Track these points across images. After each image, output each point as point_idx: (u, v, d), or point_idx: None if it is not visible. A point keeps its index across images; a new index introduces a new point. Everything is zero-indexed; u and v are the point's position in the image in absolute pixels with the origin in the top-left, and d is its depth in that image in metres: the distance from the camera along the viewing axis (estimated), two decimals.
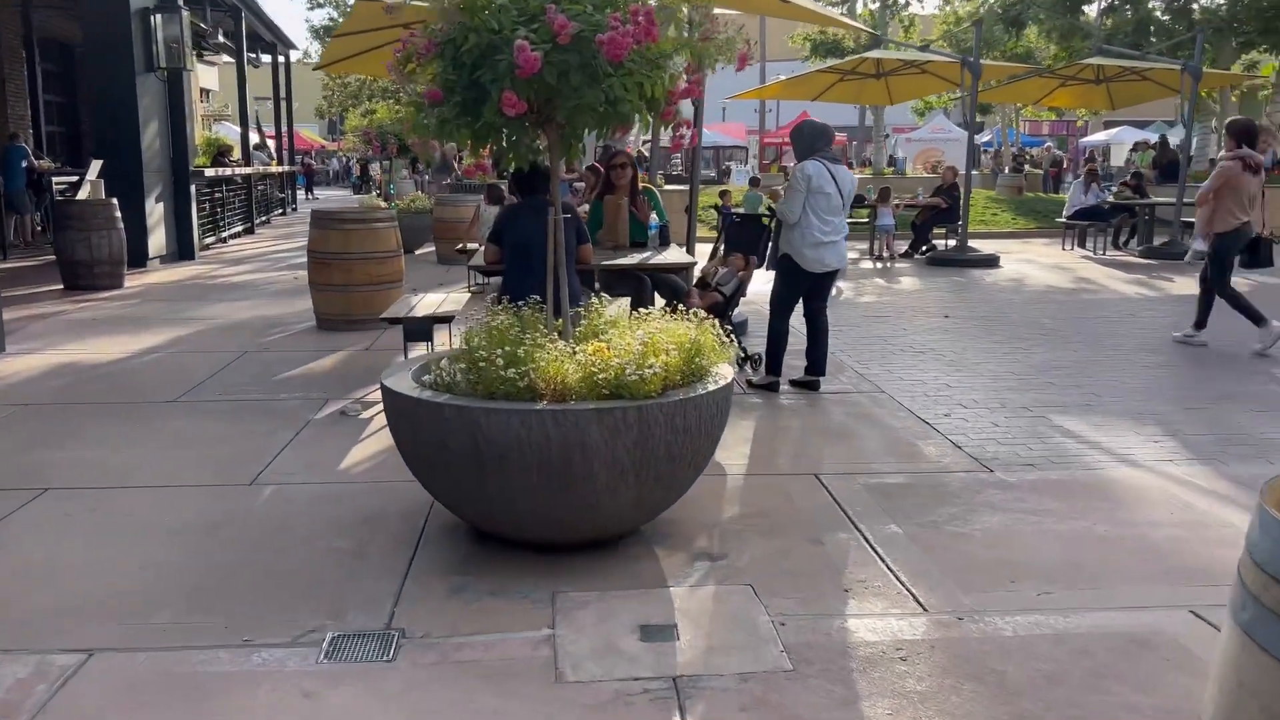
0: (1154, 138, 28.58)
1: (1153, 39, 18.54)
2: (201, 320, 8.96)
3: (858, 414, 5.86)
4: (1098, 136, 44.30)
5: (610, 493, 3.49)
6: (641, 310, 4.45)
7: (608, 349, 3.63)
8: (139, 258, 12.76)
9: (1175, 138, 27.64)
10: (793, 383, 6.44)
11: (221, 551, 3.78)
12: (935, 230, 15.51)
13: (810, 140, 6.25)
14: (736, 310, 7.22)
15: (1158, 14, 19.41)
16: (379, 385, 3.90)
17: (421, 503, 4.09)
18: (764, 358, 6.48)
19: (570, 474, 3.41)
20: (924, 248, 15.41)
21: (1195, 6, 19.29)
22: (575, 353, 3.63)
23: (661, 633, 3.09)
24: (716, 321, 4.07)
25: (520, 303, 4.15)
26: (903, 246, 15.43)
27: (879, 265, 14.30)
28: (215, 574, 3.57)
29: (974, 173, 35.87)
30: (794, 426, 5.65)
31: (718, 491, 4.43)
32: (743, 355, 6.71)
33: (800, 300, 6.39)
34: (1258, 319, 7.73)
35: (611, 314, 4.12)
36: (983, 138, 46.83)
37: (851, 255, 15.15)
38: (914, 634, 3.09)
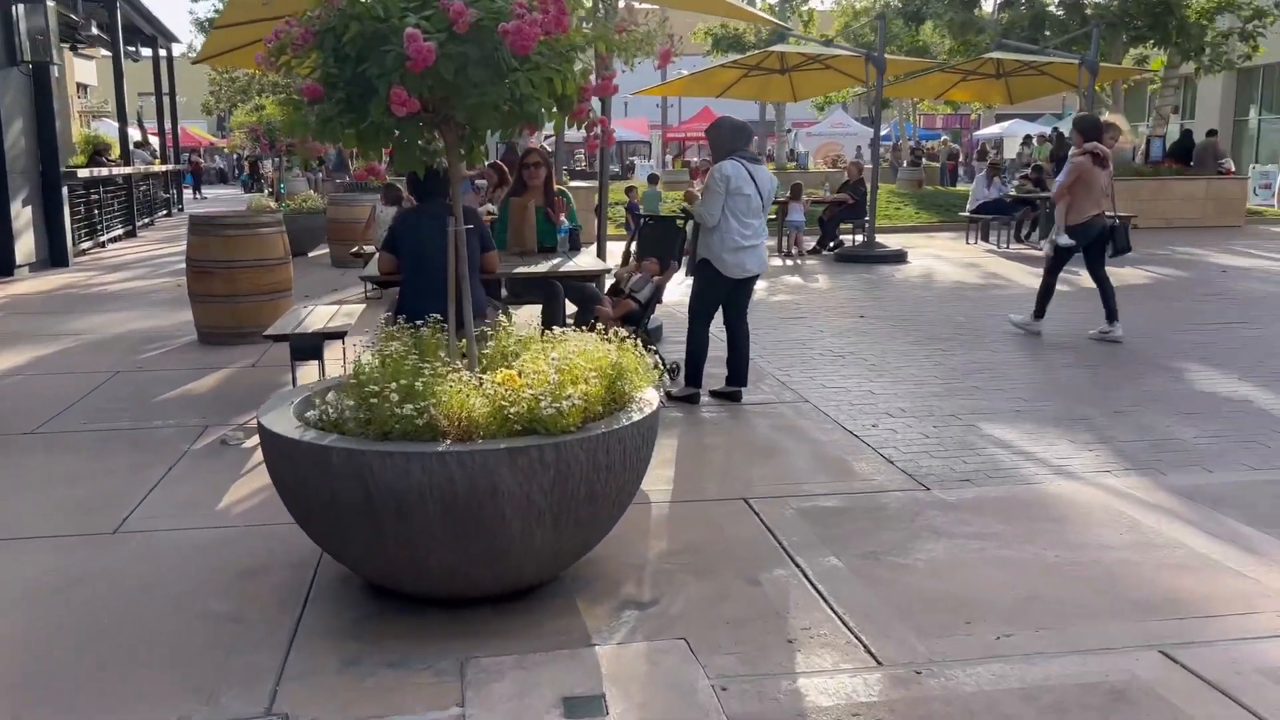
0: (1049, 130, 29.20)
1: (1048, 34, 18.83)
2: (71, 335, 8.23)
3: (783, 427, 5.56)
4: (991, 130, 45.31)
5: (525, 541, 3.09)
6: (555, 326, 4.07)
7: (519, 377, 3.23)
8: (4, 266, 11.85)
9: (1063, 130, 28.36)
10: (713, 394, 6.12)
11: (72, 620, 3.27)
12: (842, 226, 15.43)
13: (729, 139, 5.92)
14: (652, 316, 6.87)
15: (1052, 9, 19.73)
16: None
17: (310, 551, 3.63)
18: (682, 368, 6.14)
19: (479, 522, 3.00)
20: (831, 244, 15.32)
21: (1088, 2, 19.65)
22: (482, 383, 3.22)
23: (588, 706, 2.70)
24: (638, 341, 3.70)
25: (419, 321, 3.72)
26: (810, 243, 15.31)
27: (789, 263, 14.13)
28: (61, 650, 3.06)
29: (872, 168, 36.17)
30: (718, 444, 5.32)
31: (643, 524, 4.07)
32: (661, 366, 6.35)
33: (719, 307, 6.07)
34: (1041, 309, 8.33)
35: (522, 333, 3.72)
36: (880, 132, 47.68)
37: None
38: (870, 694, 2.77)
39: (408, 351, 3.36)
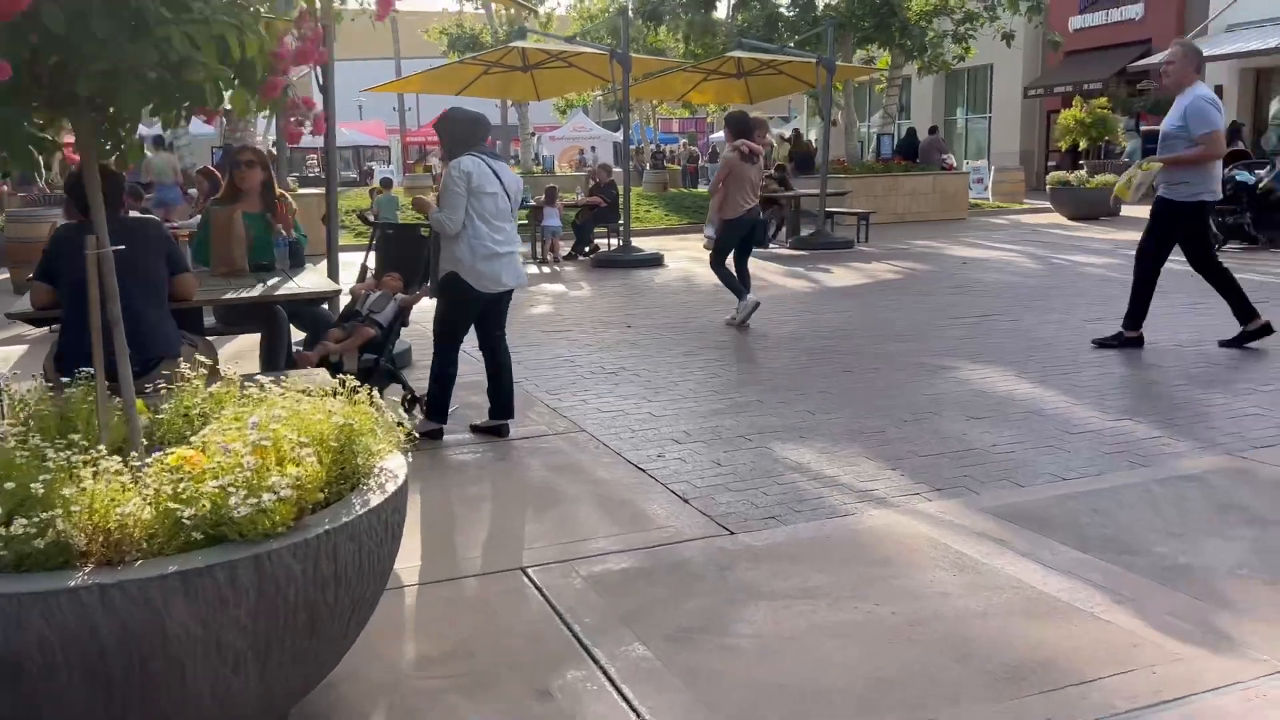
0: (788, 131, 30.07)
1: (782, 34, 19.18)
2: None
3: (559, 465, 4.80)
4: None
5: (219, 699, 2.16)
6: (278, 365, 3.11)
7: (200, 457, 2.28)
8: None
9: (788, 131, 29.38)
10: (475, 429, 5.28)
11: None
12: (596, 230, 14.92)
13: (463, 132, 5.09)
14: (398, 340, 5.92)
15: (784, 10, 20.17)
16: None
17: None
18: (427, 400, 5.26)
19: (144, 686, 2.04)
20: (587, 249, 14.78)
21: (818, 3, 20.21)
22: (142, 473, 2.25)
23: None
24: (374, 389, 2.82)
25: (79, 371, 2.70)
26: (566, 248, 14.68)
27: (545, 270, 13.43)
28: None
29: (617, 170, 36.31)
30: (484, 495, 4.48)
31: (394, 619, 3.19)
32: (408, 396, 5.47)
33: (473, 328, 5.24)
34: (739, 292, 8.48)
35: (212, 388, 2.76)
36: (622, 135, 48.08)
37: None
38: None
39: (28, 430, 2.33)
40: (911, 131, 23.66)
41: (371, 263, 6.05)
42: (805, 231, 15.92)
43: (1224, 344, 6.99)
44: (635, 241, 14.77)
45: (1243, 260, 11.89)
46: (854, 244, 15.30)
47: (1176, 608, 3.11)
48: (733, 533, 3.86)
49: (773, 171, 17.18)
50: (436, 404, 5.17)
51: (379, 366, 5.36)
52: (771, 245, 15.64)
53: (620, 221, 14.70)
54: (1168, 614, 3.07)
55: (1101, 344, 7.12)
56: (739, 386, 6.29)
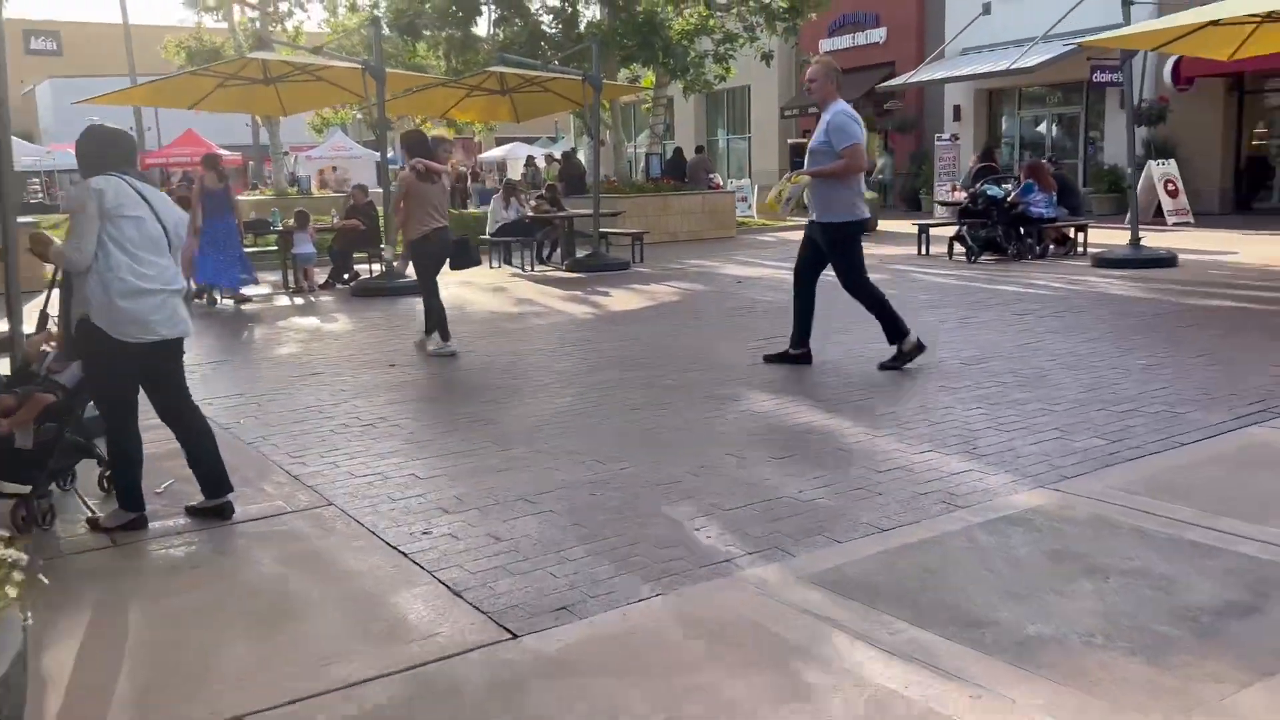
0: (557, 151, 29.65)
1: (545, 52, 18.65)
2: None
3: (297, 556, 3.91)
4: (494, 153, 45.87)
5: None
6: None
7: None
8: None
9: (557, 152, 29.01)
10: (191, 511, 4.30)
11: None
12: (356, 255, 13.81)
13: (100, 149, 4.15)
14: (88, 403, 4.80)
15: (546, 27, 19.66)
16: None
17: None
18: (115, 486, 4.26)
19: None
20: (346, 276, 13.64)
21: (581, 20, 19.82)
22: None
23: None
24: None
25: None
26: (323, 277, 13.48)
27: (299, 301, 12.22)
28: None
29: (378, 190, 34.79)
30: (190, 607, 3.53)
31: None
32: (105, 474, 4.42)
33: (141, 395, 4.22)
34: (443, 328, 8.24)
35: None
36: (380, 155, 46.26)
37: (262, 291, 12.89)
38: None
39: None
40: (679, 151, 23.76)
41: (55, 308, 4.90)
42: (581, 253, 15.39)
43: (883, 366, 6.87)
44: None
45: (997, 271, 12.32)
46: (630, 264, 14.91)
47: (1044, 700, 2.65)
48: (518, 636, 3.14)
49: (543, 192, 16.62)
50: (125, 490, 4.15)
51: (63, 439, 4.28)
52: (541, 268, 15.02)
53: (382, 245, 13.66)
54: (1038, 710, 2.60)
55: (886, 366, 6.90)
56: (518, 435, 5.57)
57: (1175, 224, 18.21)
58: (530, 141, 44.10)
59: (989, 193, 13.54)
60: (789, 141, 22.79)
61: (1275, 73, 19.36)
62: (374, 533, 4.09)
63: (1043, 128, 24.69)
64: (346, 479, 4.81)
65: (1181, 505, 3.99)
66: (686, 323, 9.42)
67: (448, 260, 8.78)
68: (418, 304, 11.40)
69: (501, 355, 8.05)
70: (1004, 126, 25.47)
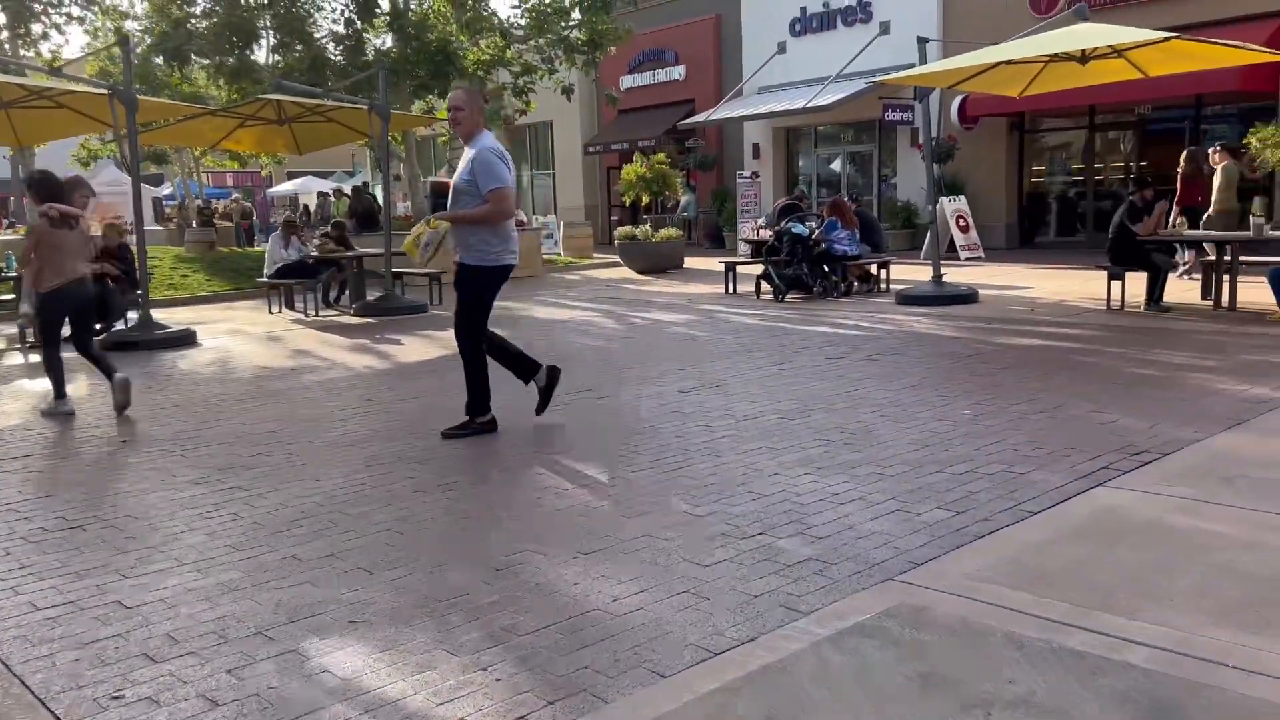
0: (348, 186, 28.15)
1: (330, 79, 17.38)
2: None
3: None
4: (284, 187, 43.53)
5: None
6: None
7: None
8: None
9: (348, 187, 27.52)
10: None
11: None
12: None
13: None
14: None
15: (330, 54, 18.35)
16: None
17: None
18: None
19: None
20: (98, 327, 11.96)
21: (368, 47, 18.63)
22: None
23: None
24: None
25: None
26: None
27: (35, 358, 10.54)
28: None
29: (156, 229, 32.07)
30: None
31: None
32: None
33: None
34: (59, 390, 7.45)
35: None
36: (164, 190, 43.00)
37: None
38: None
39: None
40: None
41: None
42: (372, 295, 14.23)
43: (446, 434, 6.26)
44: (164, 315, 12.29)
45: (805, 311, 12.04)
46: (428, 307, 13.87)
47: None
48: None
49: (329, 229, 15.34)
50: None
51: None
52: (328, 312, 13.77)
53: (139, 292, 12.13)
54: None
55: (450, 435, 6.25)
56: (265, 535, 4.54)
57: (968, 258, 18.73)
58: (325, 175, 42.12)
59: (794, 230, 13.33)
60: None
61: (1051, 113, 20.38)
62: (41, 701, 3.01)
63: (838, 165, 25.23)
64: (21, 615, 3.67)
65: (1051, 599, 3.44)
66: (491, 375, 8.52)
67: (93, 317, 7.90)
68: (184, 358, 10.04)
69: (262, 425, 6.91)
70: (801, 164, 25.90)
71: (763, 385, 7.53)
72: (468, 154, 6.00)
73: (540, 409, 6.54)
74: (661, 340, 10.21)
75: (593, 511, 4.68)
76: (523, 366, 6.49)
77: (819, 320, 11.24)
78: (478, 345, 6.25)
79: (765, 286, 13.77)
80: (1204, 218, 12.99)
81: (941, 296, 12.22)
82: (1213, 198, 13.13)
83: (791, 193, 16.09)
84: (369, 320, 13.01)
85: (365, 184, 28.05)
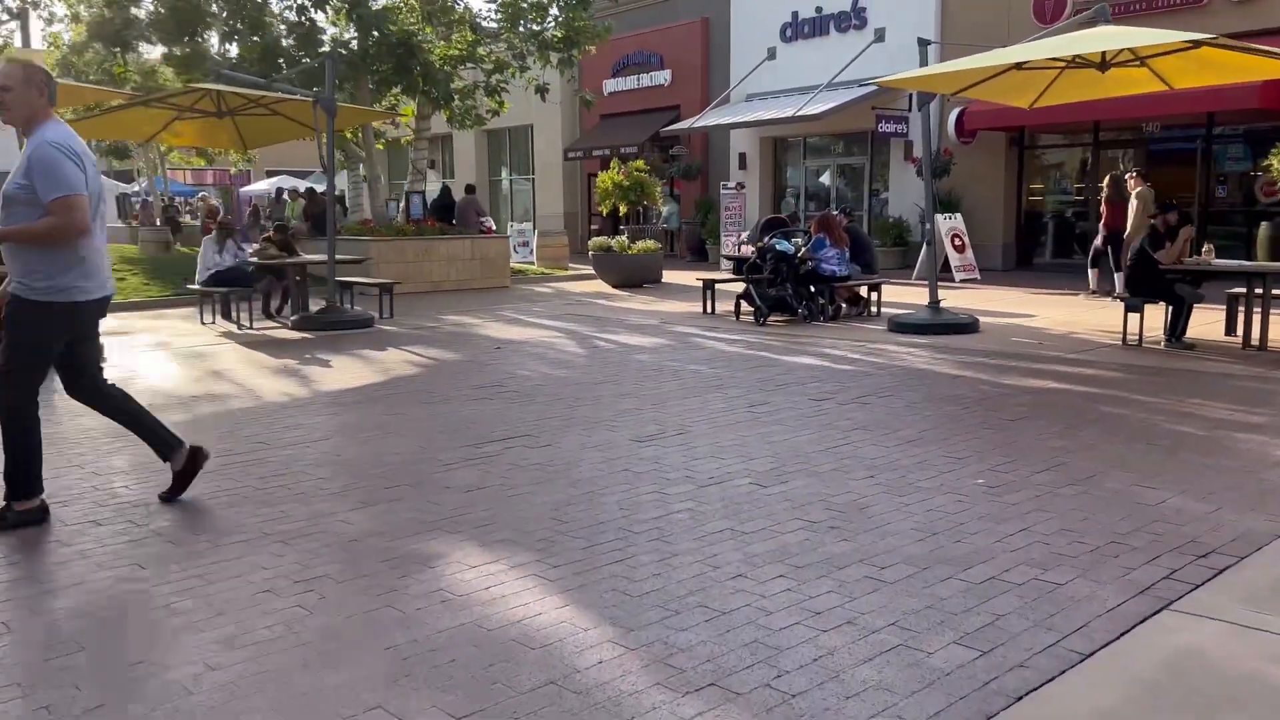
0: (304, 186, 26.89)
1: (282, 69, 16.10)
2: None
3: None
4: (259, 186, 42.12)
5: None
6: None
7: None
8: None
9: (316, 187, 26.19)
10: None
11: None
12: None
13: None
14: None
15: (286, 43, 17.07)
16: None
17: None
18: None
19: None
20: None
21: (325, 38, 17.38)
22: None
23: None
24: None
25: None
26: None
27: None
28: None
29: (119, 226, 30.70)
30: None
31: None
32: None
33: None
34: None
35: None
36: (135, 187, 41.51)
37: None
38: None
39: None
40: (446, 190, 21.59)
41: None
42: (316, 306, 13.01)
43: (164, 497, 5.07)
44: None
45: (787, 336, 10.85)
46: (374, 321, 12.63)
47: None
48: None
49: (270, 233, 14.08)
50: None
51: None
52: (267, 324, 12.51)
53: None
54: None
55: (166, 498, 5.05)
56: (50, 648, 3.31)
57: (963, 280, 17.64)
58: (304, 175, 40.73)
59: (778, 247, 12.16)
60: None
61: (1052, 128, 19.32)
62: None
63: (827, 178, 24.12)
64: None
65: None
66: (408, 412, 7.30)
67: None
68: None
69: (122, 477, 5.67)
70: (789, 176, 24.78)
71: (735, 433, 6.34)
72: (26, 148, 4.49)
73: (170, 495, 5.08)
74: (625, 370, 9.01)
75: (491, 631, 3.47)
76: (158, 440, 5.04)
77: (803, 348, 10.06)
78: (24, 406, 4.62)
79: (746, 307, 12.60)
80: (1124, 241, 13.35)
81: (938, 325, 11.08)
82: (1129, 222, 13.45)
83: (779, 210, 14.86)
84: (306, 335, 11.76)
85: (312, 188, 26.75)
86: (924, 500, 4.89)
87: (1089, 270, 14.78)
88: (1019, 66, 9.63)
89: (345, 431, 6.62)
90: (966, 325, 11.15)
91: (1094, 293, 14.51)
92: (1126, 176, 13.96)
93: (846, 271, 12.50)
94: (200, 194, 37.84)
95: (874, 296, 12.94)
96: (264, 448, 6.19)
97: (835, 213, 13.41)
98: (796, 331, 11.36)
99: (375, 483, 5.33)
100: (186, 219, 32.38)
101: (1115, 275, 13.84)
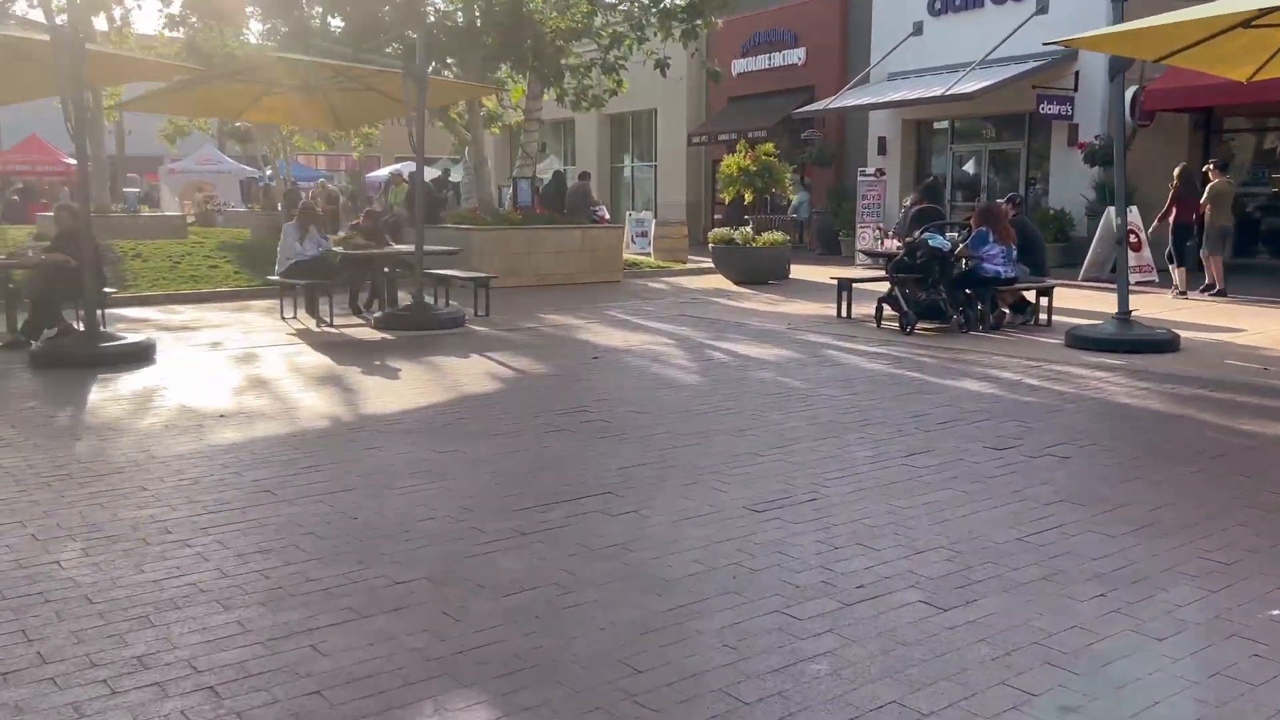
0: (441, 172, 25.85)
1: (382, 42, 14.90)
2: None
3: None
4: (382, 172, 41.80)
5: None
6: None
7: None
8: None
9: (457, 175, 25.11)
10: None
11: None
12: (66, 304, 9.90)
13: None
14: None
15: (387, 17, 15.88)
16: None
17: None
18: None
19: None
20: (55, 331, 9.72)
21: (428, 9, 16.11)
22: None
23: None
24: None
25: None
26: None
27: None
28: None
29: (242, 210, 30.38)
30: None
31: None
32: None
33: None
34: None
35: None
36: (267, 172, 41.67)
37: None
38: None
39: None
40: (559, 176, 20.20)
41: None
42: (407, 302, 11.77)
43: None
44: (163, 313, 10.04)
45: (941, 351, 8.96)
46: (464, 320, 11.28)
47: None
48: None
49: (360, 220, 12.90)
50: None
51: None
52: (351, 322, 11.28)
53: (110, 288, 9.95)
54: None
55: None
56: None
57: (1138, 282, 15.25)
58: (431, 162, 40.13)
59: (932, 243, 10.28)
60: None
61: (1246, 109, 16.72)
62: None
63: (971, 166, 21.82)
64: None
65: None
66: (469, 447, 5.84)
67: None
68: (117, 382, 7.59)
69: (71, 553, 4.34)
70: (933, 163, 22.56)
71: (888, 501, 4.64)
72: None
73: None
74: (742, 393, 7.36)
75: None
76: None
77: (964, 368, 8.22)
78: None
79: (888, 310, 10.79)
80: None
81: (1129, 341, 9.06)
82: (1206, 213, 13.04)
83: (925, 193, 12.86)
84: (387, 336, 10.48)
85: (446, 171, 25.75)
86: (1193, 648, 3.12)
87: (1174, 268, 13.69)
88: (1261, 14, 7.53)
89: (378, 477, 5.17)
90: (1165, 343, 9.09)
91: (1182, 293, 13.53)
92: (1205, 169, 13.44)
93: (1013, 273, 10.53)
94: (319, 179, 37.58)
95: (1043, 303, 10.93)
96: (265, 498, 4.78)
97: (1001, 202, 11.41)
98: (952, 344, 9.49)
99: (384, 570, 3.84)
100: (314, 204, 32.02)
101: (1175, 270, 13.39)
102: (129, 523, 4.40)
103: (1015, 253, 10.63)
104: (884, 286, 11.04)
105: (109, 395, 7.26)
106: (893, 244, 12.12)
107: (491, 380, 7.99)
